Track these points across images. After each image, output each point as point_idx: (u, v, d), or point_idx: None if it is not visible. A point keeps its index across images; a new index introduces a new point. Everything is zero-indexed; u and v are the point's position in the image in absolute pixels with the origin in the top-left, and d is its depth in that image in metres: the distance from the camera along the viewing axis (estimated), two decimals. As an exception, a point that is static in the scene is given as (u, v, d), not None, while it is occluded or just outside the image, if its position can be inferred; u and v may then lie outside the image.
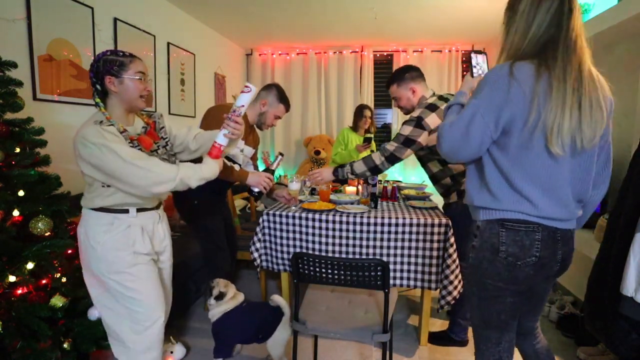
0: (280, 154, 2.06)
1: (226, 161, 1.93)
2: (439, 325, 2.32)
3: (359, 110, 3.37)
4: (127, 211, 1.39)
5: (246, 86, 1.38)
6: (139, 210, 1.42)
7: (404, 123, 1.91)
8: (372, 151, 2.47)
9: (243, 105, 1.39)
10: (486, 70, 1.25)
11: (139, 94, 1.36)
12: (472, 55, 1.27)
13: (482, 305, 1.16)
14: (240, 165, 2.04)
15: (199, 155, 1.58)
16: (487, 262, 1.10)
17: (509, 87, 0.97)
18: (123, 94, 1.33)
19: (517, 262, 1.06)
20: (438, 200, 2.34)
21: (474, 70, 1.25)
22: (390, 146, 1.90)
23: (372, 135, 3.31)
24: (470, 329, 2.09)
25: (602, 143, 1.08)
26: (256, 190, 1.93)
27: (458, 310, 2.02)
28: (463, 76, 4.70)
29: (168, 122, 1.56)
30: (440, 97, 1.95)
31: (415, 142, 1.86)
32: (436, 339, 2.11)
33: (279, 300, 1.79)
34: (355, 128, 3.42)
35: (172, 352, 1.87)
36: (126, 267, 1.37)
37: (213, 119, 1.91)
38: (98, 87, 1.33)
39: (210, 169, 1.39)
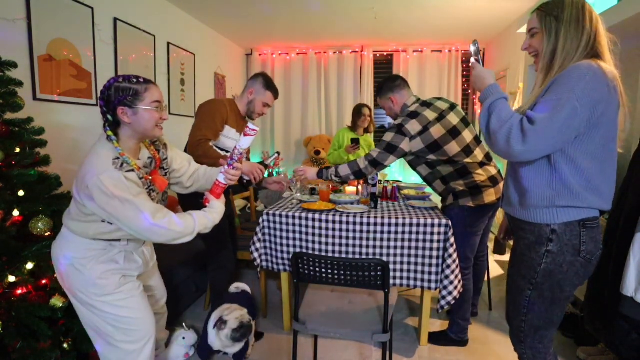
0: (277, 152, 2.08)
1: (219, 151, 1.95)
2: (439, 325, 2.32)
3: (358, 109, 3.36)
4: (119, 240, 1.34)
5: (252, 129, 1.33)
6: (129, 240, 1.38)
7: (387, 130, 1.96)
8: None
9: (248, 148, 1.40)
10: (480, 59, 1.25)
11: (154, 124, 1.26)
12: (473, 46, 1.26)
13: (553, 308, 1.15)
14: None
15: (192, 191, 1.59)
16: (567, 265, 1.09)
17: (607, 83, 1.01)
18: (137, 125, 1.23)
19: (592, 258, 1.10)
20: (438, 200, 2.34)
21: (475, 57, 1.25)
22: (374, 152, 1.93)
23: (358, 137, 3.32)
24: (469, 329, 2.10)
25: None
26: (246, 178, 1.93)
27: (457, 311, 2.02)
28: (463, 76, 4.70)
29: (171, 153, 1.51)
30: (424, 103, 1.99)
31: (397, 149, 1.89)
32: (436, 339, 2.11)
33: (241, 285, 1.84)
34: (354, 127, 3.41)
35: (184, 338, 1.87)
36: (116, 288, 1.31)
37: (205, 114, 1.95)
38: (109, 117, 1.22)
39: (219, 213, 1.38)
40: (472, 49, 1.26)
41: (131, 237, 1.34)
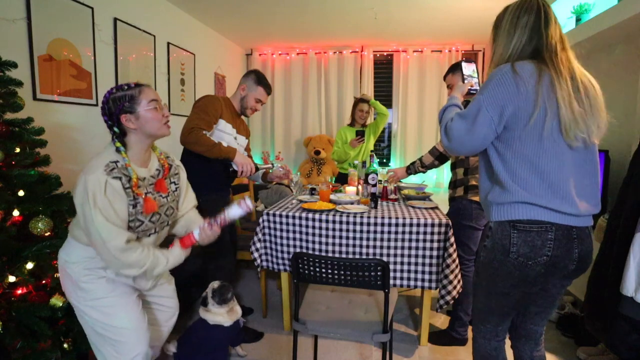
0: (273, 164, 2.09)
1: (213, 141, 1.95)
2: (439, 324, 2.32)
3: (355, 104, 3.36)
4: None
5: (247, 205, 1.43)
6: None
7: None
8: (372, 151, 2.46)
9: (234, 219, 1.46)
10: (476, 77, 1.37)
11: (160, 123, 1.30)
12: (463, 64, 1.40)
13: (489, 299, 1.21)
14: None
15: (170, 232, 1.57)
16: (498, 263, 1.13)
17: (515, 83, 1.04)
18: (143, 128, 1.28)
19: (528, 262, 1.08)
20: (438, 200, 2.35)
21: (465, 77, 1.39)
22: None
23: (364, 129, 3.31)
24: (470, 327, 2.10)
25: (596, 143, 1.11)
26: (235, 168, 1.93)
27: (460, 304, 2.01)
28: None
29: (184, 177, 1.54)
30: None
31: None
32: (436, 338, 2.12)
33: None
34: (352, 123, 3.40)
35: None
36: (104, 293, 1.30)
37: (199, 107, 1.96)
38: (115, 129, 1.26)
39: (176, 261, 1.38)
40: (466, 71, 1.41)
41: None
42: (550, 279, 1.14)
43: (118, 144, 1.26)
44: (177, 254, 1.39)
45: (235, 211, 1.43)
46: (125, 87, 1.27)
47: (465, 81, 1.39)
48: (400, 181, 2.81)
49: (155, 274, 1.33)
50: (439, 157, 2.15)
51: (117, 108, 1.24)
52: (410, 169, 2.32)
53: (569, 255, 1.08)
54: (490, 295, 1.20)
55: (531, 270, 1.08)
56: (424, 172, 2.31)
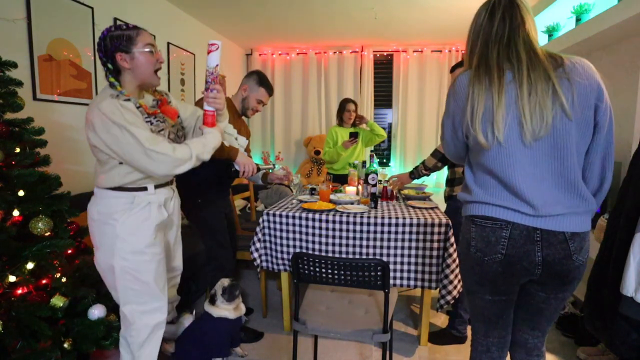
0: (274, 165, 2.10)
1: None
2: (439, 324, 2.32)
3: (341, 105, 3.29)
4: (145, 189, 1.39)
5: (212, 44, 1.36)
6: (156, 186, 1.43)
7: None
8: (372, 150, 2.46)
9: (217, 65, 1.39)
10: None
11: (153, 68, 1.33)
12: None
13: (468, 299, 1.22)
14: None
15: None
16: (463, 256, 1.17)
17: (452, 97, 1.12)
18: (136, 69, 1.31)
19: (485, 257, 1.08)
20: (438, 200, 2.34)
21: None
22: None
23: (358, 130, 3.26)
24: (469, 328, 2.10)
25: (585, 131, 1.01)
26: (236, 167, 1.93)
27: (461, 302, 2.01)
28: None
29: (175, 102, 1.56)
30: None
31: None
32: (436, 337, 2.12)
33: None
34: (341, 123, 3.34)
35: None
36: (144, 247, 1.37)
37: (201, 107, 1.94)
38: (110, 65, 1.29)
39: (214, 137, 1.40)
40: None
41: (154, 180, 1.39)
42: (513, 280, 1.09)
43: (112, 79, 1.29)
44: (210, 131, 1.41)
45: (210, 59, 1.38)
46: (124, 27, 1.30)
47: None
48: (386, 181, 2.81)
49: (206, 157, 1.37)
50: (442, 159, 2.15)
51: (114, 45, 1.27)
52: (414, 174, 2.31)
53: (527, 257, 1.03)
54: (469, 296, 1.20)
55: (488, 267, 1.08)
56: (427, 175, 2.31)
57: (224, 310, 1.78)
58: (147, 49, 1.30)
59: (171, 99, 1.53)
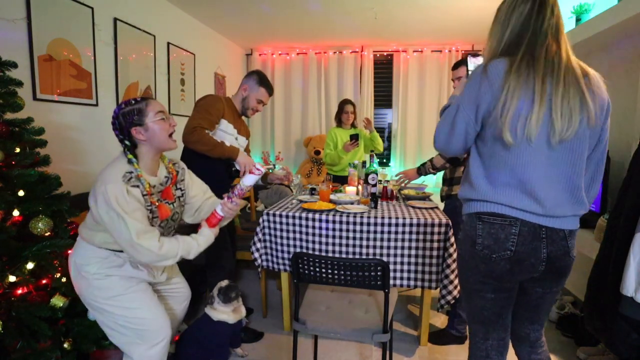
0: (274, 165, 2.09)
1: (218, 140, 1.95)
2: (439, 324, 2.32)
3: (339, 107, 3.28)
4: (122, 251, 1.37)
5: (258, 169, 1.42)
6: None
7: None
8: (372, 150, 2.46)
9: (250, 185, 1.44)
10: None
11: (167, 134, 1.37)
12: (469, 58, 1.34)
13: (467, 299, 1.20)
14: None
15: (196, 222, 1.61)
16: (467, 254, 1.13)
17: (480, 83, 1.04)
18: (152, 139, 1.34)
19: (492, 255, 1.07)
20: (438, 200, 2.34)
21: (469, 72, 1.33)
22: None
23: (358, 132, 3.23)
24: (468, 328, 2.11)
25: (593, 142, 1.06)
26: (237, 167, 1.94)
27: (459, 302, 2.01)
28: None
29: (188, 177, 1.58)
30: None
31: None
32: (436, 337, 2.12)
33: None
34: (339, 125, 3.33)
35: (179, 331, 1.88)
36: (121, 290, 1.36)
37: (201, 106, 1.96)
38: (127, 142, 1.33)
39: (206, 241, 1.43)
40: (471, 66, 1.35)
41: None
42: (519, 277, 1.10)
43: (130, 156, 1.32)
44: (206, 234, 1.45)
45: (250, 178, 1.43)
46: (133, 102, 1.33)
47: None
48: (386, 181, 2.80)
49: (189, 257, 1.39)
50: (450, 160, 2.08)
51: (127, 122, 1.31)
52: (421, 170, 2.26)
53: (534, 254, 1.05)
54: (466, 295, 1.20)
55: (496, 265, 1.07)
56: (434, 174, 2.28)
57: (223, 313, 1.77)
58: (158, 117, 1.34)
59: (185, 175, 1.56)
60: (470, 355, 1.23)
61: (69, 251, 1.63)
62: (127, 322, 1.36)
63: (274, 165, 2.16)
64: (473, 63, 1.36)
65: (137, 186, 1.31)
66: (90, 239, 1.36)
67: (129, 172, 1.30)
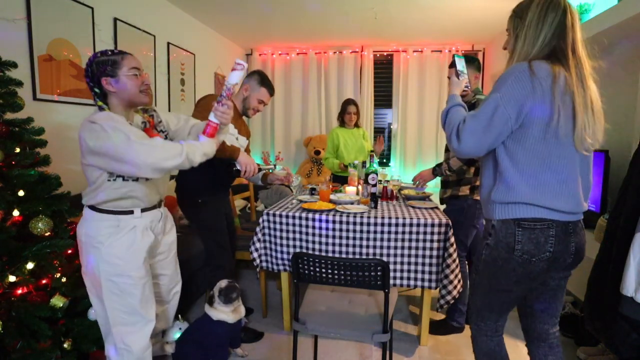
0: (275, 166, 2.09)
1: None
2: (439, 325, 2.32)
3: (343, 107, 3.25)
4: (131, 212, 1.41)
5: (238, 63, 1.38)
6: (143, 210, 1.44)
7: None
8: (372, 150, 2.45)
9: (236, 83, 1.40)
10: (465, 72, 1.36)
11: (137, 89, 1.36)
12: (456, 58, 1.36)
13: (490, 295, 1.24)
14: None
15: None
16: (502, 260, 1.15)
17: (531, 82, 1.04)
18: (122, 92, 1.34)
19: (532, 258, 1.10)
20: (438, 200, 2.34)
21: (459, 72, 1.35)
22: None
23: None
24: (467, 328, 2.11)
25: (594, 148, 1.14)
26: (238, 167, 1.92)
27: (458, 298, 2.05)
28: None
29: (164, 116, 1.57)
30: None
31: None
32: (436, 328, 2.18)
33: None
34: (342, 124, 3.30)
35: (180, 329, 1.89)
36: (129, 270, 1.39)
37: (204, 108, 1.92)
38: (97, 90, 1.33)
39: (209, 145, 1.39)
40: (460, 66, 1.37)
41: (137, 199, 1.40)
42: (552, 273, 1.17)
43: (100, 103, 1.33)
44: (206, 142, 1.40)
45: (234, 75, 1.39)
46: (109, 53, 1.33)
47: (460, 77, 1.35)
48: (386, 181, 2.80)
49: (196, 160, 1.34)
50: (468, 162, 2.01)
51: (99, 71, 1.30)
52: (437, 171, 2.16)
53: (567, 250, 1.12)
54: (491, 292, 1.23)
55: (535, 267, 1.11)
56: (450, 176, 2.18)
57: (223, 313, 1.77)
58: (132, 73, 1.34)
59: (160, 116, 1.55)
60: (480, 334, 1.30)
61: (69, 251, 1.64)
62: (119, 305, 1.39)
63: (274, 165, 2.15)
64: (459, 63, 1.38)
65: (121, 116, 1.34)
66: (94, 199, 1.36)
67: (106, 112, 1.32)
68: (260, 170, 2.01)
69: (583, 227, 1.17)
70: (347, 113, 3.22)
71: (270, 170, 2.19)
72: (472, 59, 2.02)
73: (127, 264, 1.38)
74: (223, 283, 1.80)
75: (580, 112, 1.04)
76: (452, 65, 1.41)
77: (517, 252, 1.11)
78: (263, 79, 2.09)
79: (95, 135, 1.24)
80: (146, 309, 1.45)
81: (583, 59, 1.10)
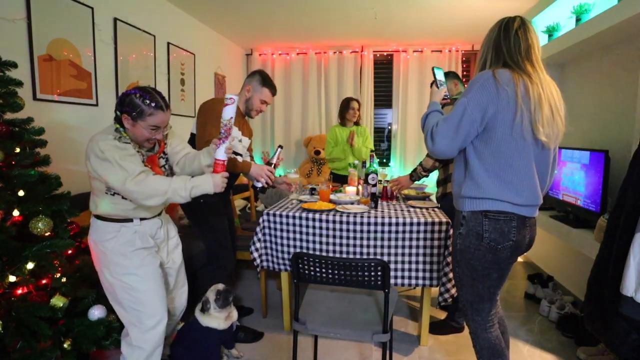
0: (280, 146, 2.07)
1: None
2: (439, 325, 2.32)
3: (346, 103, 3.26)
4: (131, 220, 1.48)
5: (229, 98, 1.44)
6: (142, 219, 1.51)
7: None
8: (372, 150, 2.45)
9: (232, 117, 1.46)
10: (444, 82, 1.49)
11: (145, 139, 1.43)
12: (435, 70, 1.48)
13: (475, 284, 1.34)
14: (241, 155, 2.03)
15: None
16: (473, 247, 1.29)
17: (495, 88, 1.17)
18: (131, 132, 1.41)
19: (498, 246, 1.26)
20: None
21: (438, 82, 1.46)
22: None
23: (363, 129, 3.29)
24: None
25: (553, 147, 1.27)
26: (259, 185, 1.98)
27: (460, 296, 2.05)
28: (463, 76, 4.70)
29: (170, 140, 1.62)
30: None
31: None
32: (437, 328, 2.19)
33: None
34: (343, 122, 3.32)
35: (177, 330, 1.88)
36: (134, 268, 1.45)
37: (208, 113, 1.92)
38: (118, 113, 1.40)
39: (207, 184, 1.42)
40: (439, 76, 1.48)
41: (141, 212, 1.48)
42: (512, 260, 1.33)
43: (117, 125, 1.40)
44: (202, 176, 1.45)
45: (228, 111, 1.45)
46: (147, 102, 1.37)
47: (440, 87, 1.46)
48: (386, 181, 2.81)
49: (183, 194, 1.39)
50: (440, 159, 2.13)
51: (127, 108, 1.37)
52: (414, 177, 2.27)
53: (524, 241, 1.29)
54: (476, 280, 1.33)
55: (501, 253, 1.27)
56: (426, 177, 2.28)
57: (214, 319, 1.73)
58: (149, 129, 1.40)
59: (169, 139, 1.61)
60: (481, 329, 1.38)
61: (69, 251, 1.64)
62: (131, 302, 1.45)
63: (276, 161, 2.11)
64: (439, 74, 1.49)
65: (128, 143, 1.40)
66: (98, 210, 1.44)
67: (117, 134, 1.39)
68: (272, 164, 2.01)
69: (536, 222, 1.35)
70: (350, 108, 3.23)
71: (275, 159, 2.12)
72: (448, 74, 2.19)
73: (131, 262, 1.45)
74: (220, 286, 1.78)
75: (539, 114, 1.17)
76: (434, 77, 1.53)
77: (485, 239, 1.26)
78: (265, 79, 2.08)
79: (98, 162, 1.33)
80: (157, 305, 1.49)
81: (540, 66, 1.24)
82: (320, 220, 1.94)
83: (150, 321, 1.47)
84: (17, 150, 1.48)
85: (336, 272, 1.40)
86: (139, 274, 1.46)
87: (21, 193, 1.46)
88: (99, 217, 1.46)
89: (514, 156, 1.21)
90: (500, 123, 1.19)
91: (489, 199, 1.24)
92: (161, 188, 1.35)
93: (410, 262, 1.91)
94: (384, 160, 4.97)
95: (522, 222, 1.26)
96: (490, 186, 1.23)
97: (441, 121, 1.26)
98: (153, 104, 1.38)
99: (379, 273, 1.35)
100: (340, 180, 3.21)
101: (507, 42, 1.24)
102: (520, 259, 3.55)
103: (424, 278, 1.91)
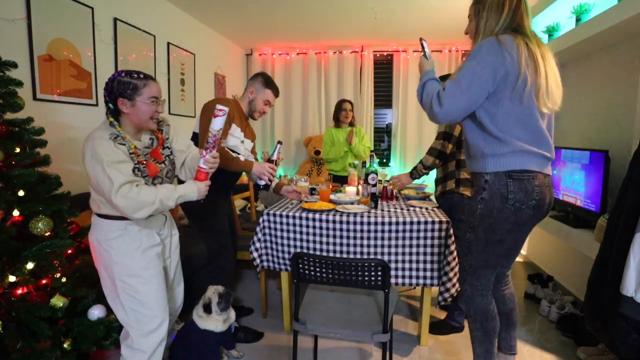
0: (279, 142, 2.07)
1: (231, 152, 1.95)
2: (439, 325, 2.32)
3: (338, 105, 3.31)
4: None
5: (219, 109, 1.42)
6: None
7: None
8: (372, 150, 2.46)
9: (221, 129, 1.44)
10: (429, 53, 1.50)
11: (149, 116, 1.39)
12: (423, 42, 1.50)
13: (486, 249, 1.38)
14: (242, 156, 2.04)
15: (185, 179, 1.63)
16: (497, 211, 1.31)
17: (501, 51, 1.22)
18: (134, 115, 1.37)
19: (522, 206, 1.29)
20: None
21: (427, 54, 1.48)
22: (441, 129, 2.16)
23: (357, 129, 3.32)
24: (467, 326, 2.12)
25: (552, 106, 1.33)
26: (262, 183, 1.99)
27: (460, 296, 2.04)
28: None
29: (173, 133, 1.59)
30: None
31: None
32: (437, 328, 2.19)
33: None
34: (337, 124, 3.35)
35: (176, 331, 1.88)
36: (139, 270, 1.42)
37: (212, 113, 1.90)
38: (110, 106, 1.35)
39: (187, 189, 1.42)
40: (427, 48, 1.50)
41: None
42: (535, 221, 1.36)
43: (111, 119, 1.36)
44: (187, 184, 1.44)
45: (217, 122, 1.43)
46: (135, 76, 1.35)
47: (428, 57, 1.48)
48: (386, 181, 2.81)
49: (170, 204, 1.39)
50: (438, 155, 2.14)
51: (119, 90, 1.33)
52: (414, 174, 2.29)
53: (545, 199, 1.33)
54: (488, 246, 1.37)
55: (523, 214, 1.30)
56: (427, 174, 2.29)
57: (213, 321, 1.72)
58: (149, 101, 1.36)
59: (170, 132, 1.57)
60: (477, 293, 1.44)
61: (69, 251, 1.64)
62: (133, 304, 1.43)
63: (277, 157, 2.10)
64: (426, 46, 1.50)
65: (124, 144, 1.35)
66: (96, 208, 1.41)
67: (113, 133, 1.34)
68: (273, 161, 2.01)
69: (552, 184, 1.39)
70: (342, 110, 3.28)
71: (275, 156, 2.11)
72: (447, 76, 2.18)
73: (137, 264, 1.42)
74: (220, 288, 1.77)
75: (543, 78, 1.24)
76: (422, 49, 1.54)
77: (510, 200, 1.29)
78: (267, 81, 2.10)
79: (92, 166, 1.29)
80: (159, 307, 1.47)
81: (535, 38, 1.30)
82: (320, 220, 1.94)
83: (152, 324, 1.45)
84: (17, 150, 1.48)
85: (336, 272, 1.40)
86: (144, 276, 1.43)
87: (21, 193, 1.46)
88: (102, 215, 1.42)
89: (524, 114, 1.26)
90: (509, 85, 1.23)
91: (513, 152, 1.27)
92: (148, 200, 1.32)
93: (410, 262, 1.91)
94: (384, 160, 4.97)
95: (542, 182, 1.31)
96: (511, 141, 1.27)
97: (450, 83, 1.28)
98: (142, 76, 1.36)
99: (379, 273, 1.35)
100: (338, 181, 3.21)
101: (528, 18, 1.32)
102: (520, 259, 3.54)
103: (424, 278, 1.91)
